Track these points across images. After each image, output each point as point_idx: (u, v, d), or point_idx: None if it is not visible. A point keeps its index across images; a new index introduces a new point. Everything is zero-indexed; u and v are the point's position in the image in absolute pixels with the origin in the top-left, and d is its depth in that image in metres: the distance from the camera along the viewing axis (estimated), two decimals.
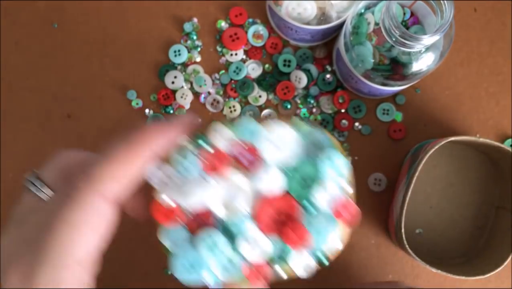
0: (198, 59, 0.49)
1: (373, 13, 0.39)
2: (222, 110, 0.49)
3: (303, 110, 0.48)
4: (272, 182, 0.26)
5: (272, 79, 0.49)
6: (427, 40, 0.35)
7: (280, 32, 0.49)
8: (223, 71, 0.49)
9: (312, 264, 0.27)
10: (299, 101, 0.49)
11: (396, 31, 0.35)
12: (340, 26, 0.45)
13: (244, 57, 0.49)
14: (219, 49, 0.49)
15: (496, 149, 0.42)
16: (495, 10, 0.50)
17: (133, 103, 0.49)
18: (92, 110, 0.49)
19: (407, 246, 0.41)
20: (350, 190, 0.27)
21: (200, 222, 0.26)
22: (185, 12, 0.50)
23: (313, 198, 0.26)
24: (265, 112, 0.48)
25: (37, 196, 0.27)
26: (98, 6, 0.50)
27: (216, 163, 0.26)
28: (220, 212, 0.26)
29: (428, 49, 0.38)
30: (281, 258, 0.26)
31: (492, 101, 0.49)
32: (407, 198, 0.41)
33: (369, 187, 0.48)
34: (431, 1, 0.36)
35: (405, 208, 0.41)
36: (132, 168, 0.25)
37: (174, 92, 0.49)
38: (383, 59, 0.40)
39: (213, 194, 0.26)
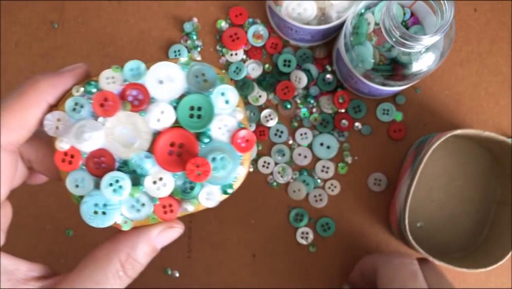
0: (198, 59, 0.49)
1: (373, 13, 0.39)
2: None
3: (303, 110, 0.48)
4: (164, 117, 0.27)
5: (272, 79, 0.49)
6: (427, 40, 0.35)
7: (280, 32, 0.49)
8: (223, 71, 0.49)
9: (217, 194, 0.28)
10: (299, 101, 0.49)
11: (396, 31, 0.35)
12: (340, 26, 0.45)
13: (244, 57, 0.49)
14: (219, 49, 0.49)
15: (499, 143, 0.42)
16: (495, 10, 0.50)
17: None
18: None
19: (410, 237, 0.41)
20: (241, 116, 0.28)
21: (101, 165, 0.27)
22: (185, 12, 0.50)
23: (209, 130, 0.27)
24: (265, 112, 0.48)
25: None
26: (98, 6, 0.50)
27: (107, 105, 0.27)
28: (119, 152, 0.27)
29: (428, 49, 0.38)
30: (186, 191, 0.27)
31: (492, 101, 0.49)
32: (412, 189, 0.41)
33: (369, 187, 0.48)
34: (431, 1, 0.36)
35: (409, 198, 0.41)
36: (25, 116, 0.26)
37: None
38: (383, 59, 0.40)
39: (109, 134, 0.27)
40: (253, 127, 0.48)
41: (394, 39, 0.36)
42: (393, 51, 0.39)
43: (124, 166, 0.27)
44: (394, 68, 0.40)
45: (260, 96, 0.49)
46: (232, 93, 0.27)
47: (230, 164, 0.27)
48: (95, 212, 0.27)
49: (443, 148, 0.47)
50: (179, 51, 0.49)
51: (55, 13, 0.50)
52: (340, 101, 0.48)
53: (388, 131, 0.48)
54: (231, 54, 0.49)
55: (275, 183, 0.48)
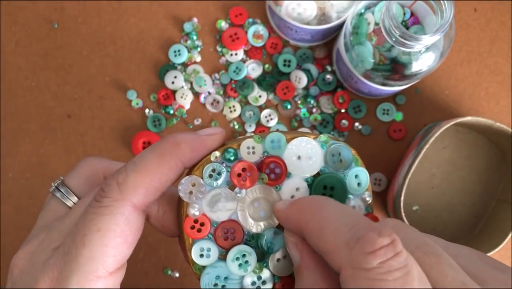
0: (198, 59, 0.49)
1: (373, 13, 0.39)
2: (222, 110, 0.49)
3: (303, 110, 0.48)
4: (298, 194, 0.26)
5: (272, 79, 0.49)
6: (427, 40, 0.35)
7: (280, 32, 0.49)
8: (223, 71, 0.49)
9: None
10: (299, 101, 0.49)
11: (396, 31, 0.35)
12: (340, 26, 0.45)
13: (244, 57, 0.49)
14: (219, 49, 0.49)
15: (509, 137, 0.43)
16: (495, 10, 0.50)
17: (133, 103, 0.49)
18: (92, 110, 0.49)
19: (403, 214, 0.41)
20: (369, 201, 0.27)
21: (229, 236, 0.26)
22: (185, 12, 0.50)
23: None
24: (265, 112, 0.48)
25: (63, 203, 0.28)
26: (98, 6, 0.50)
27: (245, 176, 0.26)
28: (249, 225, 0.26)
29: (428, 49, 0.38)
30: None
31: (492, 101, 0.49)
32: (413, 167, 0.42)
33: None
34: (431, 1, 0.36)
35: (409, 176, 0.42)
36: (161, 178, 0.25)
37: (174, 92, 0.49)
38: (383, 59, 0.40)
39: (242, 206, 0.26)
40: (253, 127, 0.48)
41: (394, 39, 0.36)
42: (393, 51, 0.39)
43: (251, 240, 0.27)
44: (394, 68, 0.40)
45: (260, 96, 0.49)
46: (365, 176, 0.27)
47: None
48: (215, 285, 0.26)
49: (451, 137, 0.47)
50: (179, 51, 0.49)
51: (55, 13, 0.50)
52: (340, 101, 0.48)
53: (388, 131, 0.48)
54: (231, 54, 0.49)
55: None
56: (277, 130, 0.27)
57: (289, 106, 0.48)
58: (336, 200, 0.25)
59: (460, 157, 0.47)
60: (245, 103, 0.49)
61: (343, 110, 0.48)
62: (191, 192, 0.26)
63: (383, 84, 0.42)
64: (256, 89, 0.49)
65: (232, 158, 0.26)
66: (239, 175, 0.26)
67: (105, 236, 0.24)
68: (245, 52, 0.50)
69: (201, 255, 0.26)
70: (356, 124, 0.48)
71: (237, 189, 0.26)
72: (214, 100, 0.49)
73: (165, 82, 0.48)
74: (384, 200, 0.48)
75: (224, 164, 0.26)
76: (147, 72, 0.49)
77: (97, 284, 0.24)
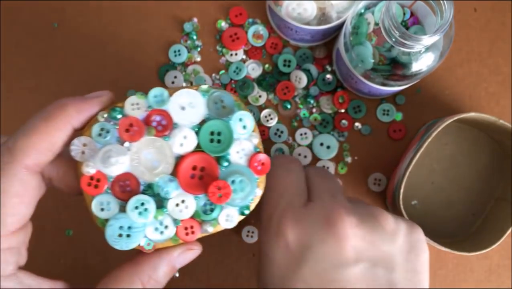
0: (198, 59, 0.49)
1: (373, 13, 0.39)
2: None
3: (303, 110, 0.48)
4: (187, 142, 0.28)
5: (272, 79, 0.49)
6: (427, 40, 0.35)
7: (280, 32, 0.49)
8: (223, 71, 0.49)
9: (236, 215, 0.29)
10: (299, 101, 0.49)
11: (396, 31, 0.35)
12: (340, 26, 0.45)
13: (244, 57, 0.49)
14: (219, 49, 0.49)
15: (510, 136, 0.43)
16: (495, 10, 0.50)
17: None
18: None
19: (402, 206, 0.42)
20: (257, 141, 0.29)
21: (126, 188, 0.28)
22: (185, 12, 0.50)
23: (228, 154, 0.29)
24: (265, 112, 0.48)
25: None
26: (98, 6, 0.50)
27: (133, 130, 0.28)
28: (144, 176, 0.28)
29: (428, 49, 0.38)
30: (206, 213, 0.28)
31: (492, 101, 0.49)
32: (414, 161, 0.42)
33: (369, 187, 0.48)
34: (431, 1, 0.36)
35: (410, 168, 0.42)
36: (50, 139, 0.27)
37: None
38: (383, 59, 0.40)
39: (134, 159, 0.28)
40: None
41: (394, 39, 0.36)
42: (393, 51, 0.39)
43: (149, 190, 0.28)
44: (394, 68, 0.40)
45: (260, 96, 0.49)
46: (249, 119, 0.29)
47: (248, 186, 0.28)
48: (120, 235, 0.27)
49: (454, 134, 0.47)
50: (179, 51, 0.49)
51: (55, 13, 0.50)
52: (340, 101, 0.48)
53: (388, 131, 0.48)
54: (231, 54, 0.49)
55: None
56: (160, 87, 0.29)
57: (289, 106, 0.48)
58: (225, 144, 0.28)
59: (462, 154, 0.47)
60: (245, 103, 0.49)
61: (343, 110, 0.48)
62: (83, 152, 0.28)
63: (383, 84, 0.42)
64: (256, 89, 0.49)
65: (118, 116, 0.28)
66: (127, 130, 0.28)
67: (1, 198, 0.25)
68: (245, 52, 0.50)
69: (102, 209, 0.28)
70: (356, 124, 0.48)
71: (127, 144, 0.28)
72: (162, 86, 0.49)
73: (165, 82, 0.48)
74: (384, 200, 0.48)
75: (112, 123, 0.28)
76: (147, 72, 0.49)
77: (1, 244, 0.25)
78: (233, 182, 0.28)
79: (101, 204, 0.28)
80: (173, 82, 0.48)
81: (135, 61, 0.49)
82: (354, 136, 0.48)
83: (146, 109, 0.28)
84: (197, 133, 0.28)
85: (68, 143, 0.28)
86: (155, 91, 0.29)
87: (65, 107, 0.27)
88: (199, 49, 0.50)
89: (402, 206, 0.42)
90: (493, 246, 0.42)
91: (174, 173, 0.28)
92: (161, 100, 0.28)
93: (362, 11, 0.40)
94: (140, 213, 0.27)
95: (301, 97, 0.49)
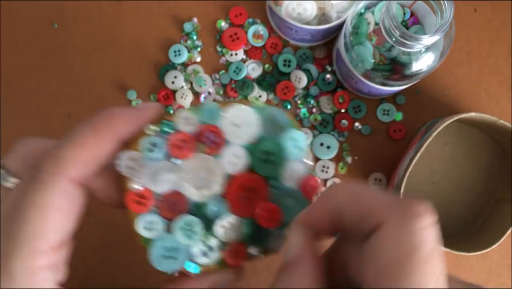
0: (198, 59, 0.49)
1: (373, 13, 0.39)
2: None
3: (303, 110, 0.48)
4: (237, 160, 0.27)
5: (272, 79, 0.49)
6: (427, 40, 0.35)
7: (280, 32, 0.49)
8: (223, 71, 0.49)
9: (284, 239, 0.27)
10: (299, 101, 0.49)
11: (396, 31, 0.35)
12: (340, 26, 0.45)
13: (244, 57, 0.49)
14: (219, 49, 0.49)
15: (510, 136, 0.43)
16: (495, 10, 0.50)
17: (133, 103, 0.49)
18: (92, 110, 0.49)
19: None
20: (309, 163, 0.27)
21: (173, 207, 0.26)
22: (185, 12, 0.50)
23: (279, 175, 0.27)
24: None
25: (2, 186, 0.27)
26: (98, 6, 0.50)
27: (183, 147, 0.26)
28: (192, 195, 0.26)
29: (428, 49, 0.38)
30: (254, 237, 0.27)
31: (492, 101, 0.49)
32: (414, 160, 0.42)
33: None
34: (431, 1, 0.36)
35: (410, 168, 0.42)
36: (97, 151, 0.25)
37: (174, 92, 0.49)
38: (383, 59, 0.40)
39: (183, 177, 0.26)
40: None
41: (394, 39, 0.36)
42: (393, 51, 0.39)
43: (196, 210, 0.26)
44: (394, 68, 0.40)
45: (260, 96, 0.49)
46: (302, 140, 0.27)
47: (298, 209, 0.26)
48: (164, 256, 0.26)
49: (454, 134, 0.47)
50: (179, 51, 0.49)
51: (55, 13, 0.50)
52: (340, 101, 0.48)
53: (388, 131, 0.48)
54: (231, 54, 0.49)
55: None
56: (213, 100, 0.27)
57: (289, 106, 0.48)
58: (277, 164, 0.26)
59: (462, 154, 0.47)
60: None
61: (343, 110, 0.48)
62: (130, 166, 0.26)
63: (383, 84, 0.42)
64: (256, 89, 0.49)
65: (168, 130, 0.26)
66: (177, 146, 0.26)
67: (44, 212, 0.23)
68: (245, 52, 0.50)
69: (147, 228, 0.26)
70: (356, 124, 0.48)
71: (176, 160, 0.26)
72: (214, 100, 0.49)
73: (165, 82, 0.48)
74: None
75: (161, 137, 0.26)
76: (147, 72, 0.49)
77: (41, 260, 0.23)
78: (283, 204, 0.26)
79: (146, 223, 0.26)
80: (173, 82, 0.48)
81: (135, 61, 0.49)
82: (354, 136, 0.48)
83: (197, 124, 0.27)
84: (248, 152, 0.27)
85: (114, 155, 0.26)
86: (208, 106, 0.27)
87: (114, 118, 0.25)
88: (199, 49, 0.50)
89: None
90: (493, 246, 0.42)
91: (223, 193, 0.26)
92: (213, 115, 0.27)
93: (362, 11, 0.40)
94: (186, 235, 0.26)
95: (301, 97, 0.49)
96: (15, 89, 0.49)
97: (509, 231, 0.42)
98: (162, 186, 0.26)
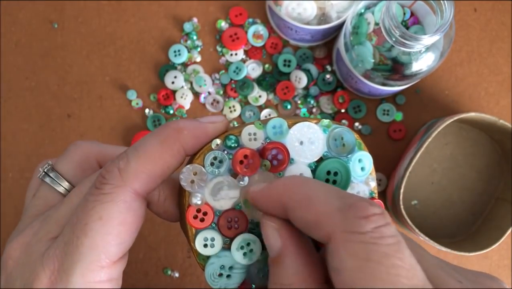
0: (198, 59, 0.49)
1: (373, 13, 0.39)
2: (222, 110, 0.49)
3: (303, 110, 0.48)
4: None
5: (272, 79, 0.49)
6: (427, 40, 0.35)
7: (280, 32, 0.49)
8: (223, 71, 0.49)
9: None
10: (299, 101, 0.49)
11: (396, 31, 0.35)
12: (340, 26, 0.45)
13: (244, 57, 0.49)
14: (219, 49, 0.49)
15: (510, 136, 0.43)
16: (495, 10, 0.50)
17: (133, 103, 0.49)
18: (92, 110, 0.49)
19: (402, 207, 0.41)
20: (373, 185, 0.27)
21: (233, 225, 0.26)
22: (185, 12, 0.50)
23: None
24: (265, 112, 0.48)
25: (54, 189, 0.27)
26: (98, 6, 0.50)
27: (247, 163, 0.25)
28: (253, 213, 0.26)
29: (428, 49, 0.38)
30: None
31: (492, 101, 0.49)
32: (414, 160, 0.42)
33: None
34: (431, 1, 0.36)
35: (410, 168, 0.42)
36: (163, 164, 0.24)
37: (174, 92, 0.49)
38: (383, 59, 0.40)
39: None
40: None
41: (394, 39, 0.36)
42: (393, 51, 0.39)
43: (256, 228, 0.26)
44: (394, 68, 0.40)
45: (260, 96, 0.49)
46: (368, 160, 0.26)
47: None
48: (220, 275, 0.25)
49: (454, 134, 0.47)
50: (179, 51, 0.49)
51: (55, 13, 0.50)
52: (340, 101, 0.48)
53: (388, 131, 0.48)
54: (231, 54, 0.49)
55: None
56: (279, 116, 0.27)
57: (289, 106, 0.48)
58: (341, 185, 0.25)
59: (462, 154, 0.47)
60: (245, 103, 0.49)
61: (343, 110, 0.48)
62: (193, 181, 0.25)
63: (383, 84, 0.42)
64: (256, 89, 0.49)
65: (233, 145, 0.26)
66: (241, 162, 0.25)
67: (107, 225, 0.23)
68: (245, 52, 0.50)
69: (205, 245, 0.25)
70: (356, 124, 0.48)
71: (239, 177, 0.25)
72: (214, 100, 0.49)
73: (165, 82, 0.48)
74: (384, 200, 0.48)
75: (225, 152, 0.26)
76: (147, 72, 0.49)
77: (100, 274, 0.23)
78: None
79: (205, 240, 0.25)
80: (173, 82, 0.48)
81: (135, 61, 0.49)
82: None
83: (263, 141, 0.26)
84: (313, 171, 0.26)
85: (176, 169, 0.25)
86: (275, 122, 0.26)
87: (180, 131, 0.25)
88: (199, 49, 0.50)
89: (402, 206, 0.42)
90: (493, 246, 0.42)
91: None
92: (279, 132, 0.26)
93: (362, 11, 0.40)
94: (244, 254, 0.25)
95: (301, 97, 0.49)
96: (15, 89, 0.49)
97: (509, 231, 0.42)
98: (224, 202, 0.25)
